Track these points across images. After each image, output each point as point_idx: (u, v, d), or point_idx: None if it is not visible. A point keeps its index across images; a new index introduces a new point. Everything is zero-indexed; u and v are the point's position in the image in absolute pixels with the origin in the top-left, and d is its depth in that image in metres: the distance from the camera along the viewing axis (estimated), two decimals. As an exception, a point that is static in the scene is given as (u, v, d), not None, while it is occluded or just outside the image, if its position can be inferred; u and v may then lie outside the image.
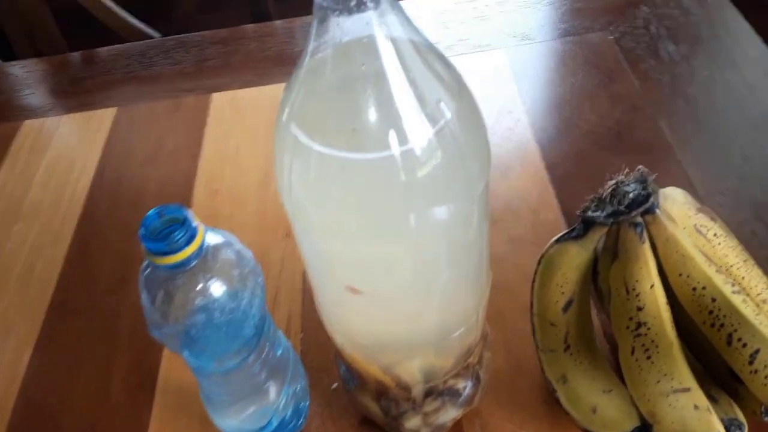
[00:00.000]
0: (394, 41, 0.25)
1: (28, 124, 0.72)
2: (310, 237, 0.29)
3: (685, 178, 0.55)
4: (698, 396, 0.35)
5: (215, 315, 0.33)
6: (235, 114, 0.70)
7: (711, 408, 0.35)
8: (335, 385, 0.46)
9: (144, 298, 0.33)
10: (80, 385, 0.49)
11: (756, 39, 0.65)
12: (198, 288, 0.33)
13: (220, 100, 0.72)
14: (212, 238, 0.34)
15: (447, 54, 0.28)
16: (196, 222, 0.32)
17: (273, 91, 0.71)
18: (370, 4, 0.23)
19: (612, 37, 0.69)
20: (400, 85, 0.25)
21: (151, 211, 0.32)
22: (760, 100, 0.59)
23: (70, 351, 0.51)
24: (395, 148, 0.25)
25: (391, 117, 0.25)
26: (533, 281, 0.45)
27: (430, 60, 0.27)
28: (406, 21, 0.26)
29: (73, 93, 0.76)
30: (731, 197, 0.53)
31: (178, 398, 0.47)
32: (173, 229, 0.32)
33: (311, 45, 0.25)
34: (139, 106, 0.73)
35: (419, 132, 0.25)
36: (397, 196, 0.26)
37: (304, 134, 0.26)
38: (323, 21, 0.24)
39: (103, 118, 0.72)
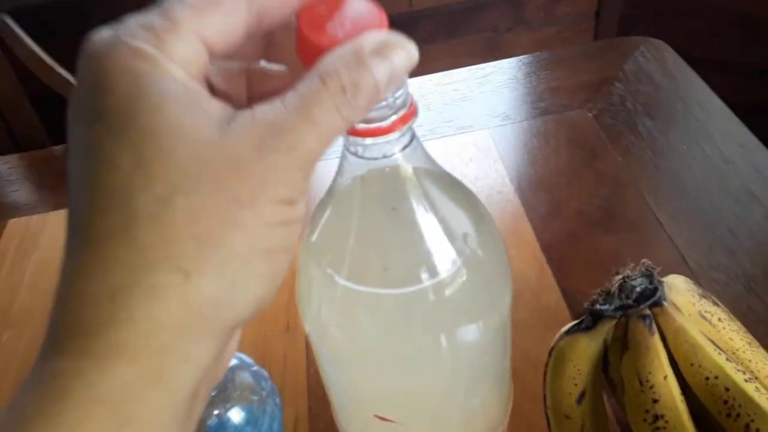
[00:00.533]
0: (417, 176, 0.25)
1: (13, 224, 0.71)
2: (338, 367, 0.29)
3: (677, 254, 0.56)
4: (727, 495, 0.35)
5: (236, 445, 0.32)
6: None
7: (741, 506, 0.35)
8: (350, 491, 0.45)
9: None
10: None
11: (727, 112, 0.68)
12: (216, 416, 0.32)
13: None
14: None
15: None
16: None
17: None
18: (397, 151, 0.24)
19: (591, 114, 0.72)
20: (429, 223, 0.25)
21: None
22: (739, 174, 0.62)
23: None
24: (427, 284, 0.25)
25: (422, 254, 0.25)
26: (545, 374, 0.45)
27: (451, 189, 0.27)
28: (424, 152, 0.26)
29: (60, 187, 0.75)
30: (723, 273, 0.54)
31: None
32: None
33: (336, 180, 0.26)
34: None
35: (449, 265, 0.26)
36: (430, 326, 0.26)
37: (337, 272, 0.26)
38: (347, 159, 0.25)
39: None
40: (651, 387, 0.40)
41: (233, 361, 0.33)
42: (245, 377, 0.33)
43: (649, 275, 0.40)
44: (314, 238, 0.28)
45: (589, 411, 0.43)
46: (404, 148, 0.24)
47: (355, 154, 0.24)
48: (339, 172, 0.26)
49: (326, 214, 0.27)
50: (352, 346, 0.27)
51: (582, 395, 0.43)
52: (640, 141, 0.68)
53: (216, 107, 0.18)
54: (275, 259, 0.18)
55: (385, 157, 0.24)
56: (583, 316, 0.44)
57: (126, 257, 0.16)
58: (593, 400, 0.43)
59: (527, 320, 0.54)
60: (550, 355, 0.45)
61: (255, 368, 0.35)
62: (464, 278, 0.26)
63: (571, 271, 0.57)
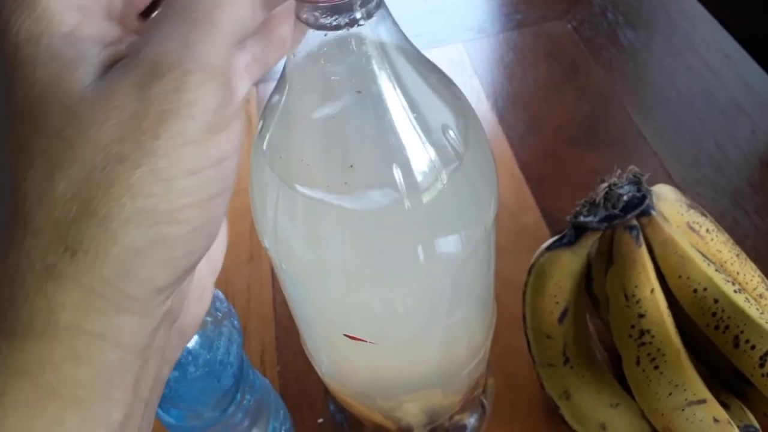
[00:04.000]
0: (387, 52, 0.21)
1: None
2: (302, 286, 0.25)
3: (662, 169, 0.54)
4: (716, 408, 0.34)
5: (189, 370, 0.29)
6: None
7: (731, 420, 0.33)
8: (320, 420, 0.43)
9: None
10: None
11: (712, 21, 0.65)
12: (167, 344, 0.28)
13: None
14: (178, 283, 0.30)
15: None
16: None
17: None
18: (362, 21, 0.20)
19: (570, 26, 0.67)
20: (402, 110, 0.21)
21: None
22: (725, 85, 0.59)
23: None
24: (400, 184, 0.21)
25: (393, 149, 0.21)
26: (524, 293, 0.42)
27: (427, 73, 0.23)
28: (395, 25, 0.22)
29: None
30: (709, 187, 0.52)
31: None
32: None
33: (288, 62, 0.22)
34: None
35: (426, 163, 0.22)
36: (405, 235, 0.23)
37: (292, 174, 0.22)
38: (299, 31, 0.21)
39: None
40: (637, 301, 0.38)
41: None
42: (197, 300, 0.30)
43: (636, 182, 0.37)
44: (266, 137, 0.24)
45: (571, 330, 0.41)
46: (370, 14, 0.20)
47: (307, 22, 0.20)
48: (290, 51, 0.21)
49: (278, 106, 0.23)
50: (315, 262, 0.24)
51: (564, 313, 0.41)
52: (622, 53, 0.64)
53: (98, 57, 0.16)
54: (200, 212, 0.16)
55: (346, 25, 0.20)
56: (565, 231, 0.41)
57: (21, 241, 0.15)
58: (575, 319, 0.41)
59: (505, 243, 0.52)
60: (529, 273, 0.42)
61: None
62: (444, 180, 0.22)
63: (551, 190, 0.54)
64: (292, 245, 0.24)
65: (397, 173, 0.22)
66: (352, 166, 0.22)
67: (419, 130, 0.22)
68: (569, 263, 0.40)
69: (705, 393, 0.34)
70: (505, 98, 0.61)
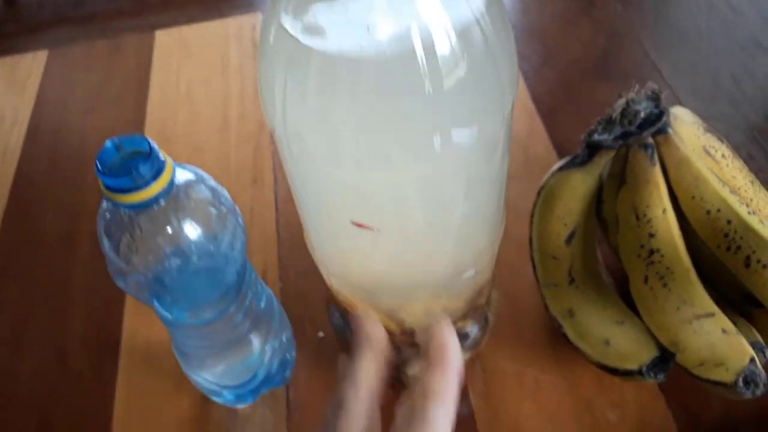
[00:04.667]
0: None
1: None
2: (310, 166, 0.24)
3: (677, 104, 0.52)
4: (723, 320, 0.33)
5: (192, 260, 0.28)
6: (182, 53, 0.63)
7: (738, 331, 0.33)
8: (321, 333, 0.43)
9: (105, 244, 0.28)
10: (31, 353, 0.44)
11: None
12: (170, 229, 0.28)
13: (164, 38, 0.65)
14: (182, 175, 0.29)
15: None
16: (162, 154, 0.27)
17: (222, 26, 0.65)
18: None
19: (587, -40, 0.65)
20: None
21: (107, 143, 0.27)
22: (746, 21, 0.57)
23: (17, 317, 0.45)
24: (419, 49, 0.20)
25: (413, 11, 0.20)
26: (532, 215, 0.41)
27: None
28: None
29: None
30: (725, 122, 0.51)
31: (146, 358, 0.42)
32: (136, 163, 0.26)
33: None
34: (73, 49, 0.65)
35: (448, 30, 0.21)
36: (421, 109, 0.22)
37: (303, 33, 0.21)
38: None
39: (33, 64, 0.64)
40: (648, 221, 0.37)
41: (188, 176, 0.29)
42: (201, 190, 0.29)
43: (654, 99, 0.36)
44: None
45: (578, 252, 0.40)
46: None
47: None
48: None
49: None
50: (327, 136, 0.23)
51: (571, 235, 0.40)
52: (641, -11, 0.62)
53: None
54: None
55: None
56: (578, 152, 0.40)
57: None
58: (583, 241, 0.41)
59: (514, 171, 0.50)
60: (539, 194, 0.41)
61: (213, 183, 0.30)
62: (465, 52, 0.21)
63: (563, 122, 0.53)
64: (304, 121, 0.23)
65: (416, 34, 0.21)
66: (368, 28, 0.21)
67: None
68: (580, 184, 0.39)
69: (713, 308, 0.34)
70: (520, 30, 0.60)
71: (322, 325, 0.43)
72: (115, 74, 0.62)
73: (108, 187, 0.26)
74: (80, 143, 0.56)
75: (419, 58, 0.21)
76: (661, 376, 0.34)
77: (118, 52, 0.64)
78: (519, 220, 0.44)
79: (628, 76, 0.55)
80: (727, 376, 0.32)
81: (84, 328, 0.44)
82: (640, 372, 0.34)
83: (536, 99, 0.54)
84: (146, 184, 0.26)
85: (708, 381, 0.31)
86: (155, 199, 0.27)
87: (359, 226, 0.26)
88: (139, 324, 0.44)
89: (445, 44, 0.21)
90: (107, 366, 0.42)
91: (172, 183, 0.27)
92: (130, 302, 0.45)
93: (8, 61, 0.64)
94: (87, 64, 0.63)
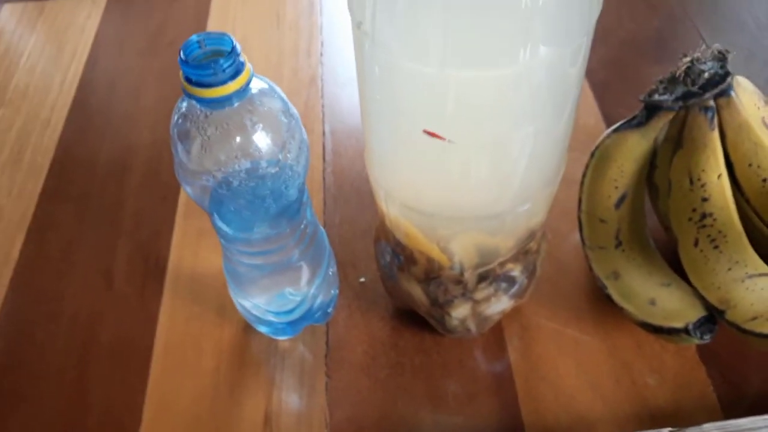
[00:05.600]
0: None
1: (9, 8, 0.65)
2: (392, 62, 0.25)
3: (730, 87, 0.52)
4: (778, 281, 0.33)
5: (261, 165, 0.29)
6: (239, 5, 0.64)
7: (792, 293, 0.32)
8: (362, 278, 0.43)
9: (176, 141, 0.29)
10: (79, 273, 0.44)
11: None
12: (243, 131, 0.28)
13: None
14: (257, 83, 0.30)
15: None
16: (243, 56, 0.28)
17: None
18: None
19: (648, -52, 0.65)
20: None
21: (191, 37, 0.28)
22: (806, 14, 0.56)
23: (67, 238, 0.46)
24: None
25: None
26: (583, 176, 0.41)
27: None
28: None
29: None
30: (779, 107, 0.50)
31: (191, 286, 0.43)
32: (217, 60, 0.27)
33: None
34: (133, -6, 0.66)
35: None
36: (516, 8, 0.22)
37: None
38: None
39: (93, 7, 0.65)
40: (702, 185, 0.37)
41: (261, 84, 0.30)
42: (273, 99, 0.30)
43: (721, 59, 0.36)
44: None
45: (627, 215, 0.40)
46: None
47: None
48: None
49: None
50: (415, 27, 0.23)
51: (622, 198, 0.40)
52: (700, -23, 0.62)
53: None
54: None
55: None
56: (635, 113, 0.40)
57: None
58: (632, 206, 0.41)
59: (562, 138, 0.51)
60: (592, 155, 0.41)
61: (284, 96, 0.31)
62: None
63: (614, 96, 0.53)
64: (395, 10, 0.23)
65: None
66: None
67: None
68: (635, 146, 0.39)
69: (766, 269, 0.34)
70: (574, 8, 0.60)
71: (365, 271, 0.43)
72: (173, 21, 0.63)
73: (188, 80, 0.27)
74: (136, 83, 0.57)
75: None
76: (707, 337, 0.34)
77: (176, 1, 0.65)
78: (567, 187, 0.44)
79: (680, 57, 0.55)
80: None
81: (131, 253, 0.45)
82: (686, 330, 0.34)
83: (588, 73, 0.54)
84: (225, 80, 0.27)
85: (761, 335, 0.31)
86: (231, 98, 0.27)
87: (430, 135, 0.26)
88: (186, 253, 0.45)
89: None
90: (152, 291, 0.43)
91: (248, 84, 0.28)
92: (178, 232, 0.46)
93: (68, 3, 0.66)
94: (146, 9, 0.64)
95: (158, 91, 0.57)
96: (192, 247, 0.45)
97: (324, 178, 0.50)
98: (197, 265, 0.44)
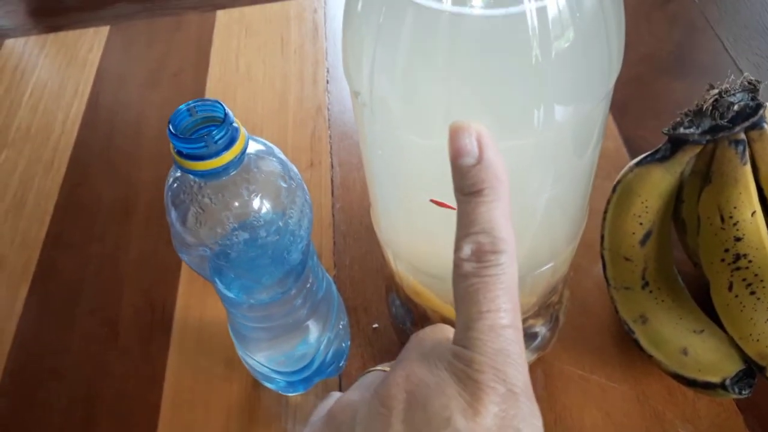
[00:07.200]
0: None
1: (10, 44, 0.64)
2: (393, 134, 0.23)
3: (759, 103, 0.49)
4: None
5: (260, 234, 0.27)
6: (242, 33, 0.62)
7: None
8: (376, 325, 0.41)
9: (172, 214, 0.27)
10: (83, 325, 0.43)
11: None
12: (240, 201, 0.27)
13: (225, 17, 0.64)
14: (252, 146, 0.28)
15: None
16: (236, 122, 0.26)
17: (283, 8, 0.64)
18: None
19: (664, -46, 0.62)
20: None
21: (181, 107, 0.26)
22: (837, 20, 0.53)
23: (70, 287, 0.45)
24: (530, 6, 0.19)
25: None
26: (605, 212, 0.39)
27: None
28: None
29: (60, 10, 0.68)
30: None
31: (198, 337, 0.42)
32: (209, 130, 0.25)
33: None
34: (135, 24, 0.65)
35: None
36: (525, 76, 0.20)
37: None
38: None
39: (95, 39, 0.64)
40: (735, 224, 0.35)
41: (258, 147, 0.28)
42: (272, 163, 0.28)
43: (751, 90, 0.34)
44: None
45: (653, 254, 0.38)
46: None
47: None
48: None
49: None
50: (418, 99, 0.21)
51: (647, 236, 0.38)
52: (721, -17, 0.59)
53: None
54: None
55: None
56: (659, 146, 0.38)
57: None
58: (659, 242, 0.38)
59: (581, 165, 0.49)
60: (614, 190, 0.39)
61: (283, 157, 0.29)
62: (577, 15, 0.20)
63: (635, 118, 0.50)
64: (393, 82, 0.22)
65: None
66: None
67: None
68: (660, 181, 0.37)
69: (809, 320, 0.31)
70: (589, 22, 0.57)
71: (377, 316, 0.41)
72: (175, 51, 0.61)
73: (180, 153, 0.25)
74: (138, 117, 0.56)
75: (529, 17, 0.19)
76: (746, 392, 0.32)
77: (179, 30, 0.63)
78: (588, 219, 0.42)
79: (705, 72, 0.53)
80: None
81: (136, 303, 0.44)
82: (722, 386, 0.32)
83: (607, 93, 0.52)
84: (219, 152, 0.25)
85: (805, 398, 0.29)
86: (227, 168, 0.26)
87: (438, 204, 0.24)
88: (194, 302, 0.43)
89: (557, 2, 0.19)
90: (158, 344, 0.42)
91: (244, 152, 0.26)
92: (184, 279, 0.45)
93: (70, 35, 0.65)
94: (147, 41, 0.63)
95: (160, 125, 0.55)
96: (199, 294, 0.44)
97: (333, 215, 0.48)
98: (205, 314, 0.43)
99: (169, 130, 0.25)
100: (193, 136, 0.25)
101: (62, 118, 0.57)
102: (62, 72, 0.61)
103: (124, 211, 0.49)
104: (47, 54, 0.63)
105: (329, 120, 0.54)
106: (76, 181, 0.52)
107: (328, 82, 0.57)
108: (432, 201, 0.24)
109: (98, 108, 0.57)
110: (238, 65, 0.59)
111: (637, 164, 0.38)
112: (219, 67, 0.59)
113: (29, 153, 0.54)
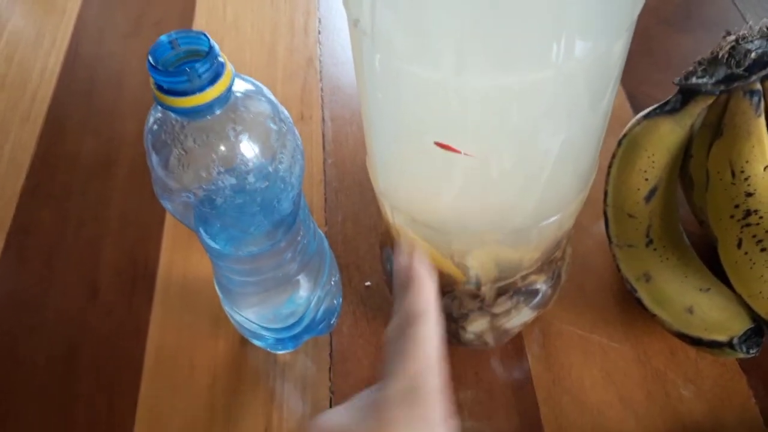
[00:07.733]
0: None
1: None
2: (396, 68, 0.21)
3: None
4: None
5: (248, 180, 0.25)
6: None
7: None
8: (368, 283, 0.40)
9: (153, 158, 0.25)
10: (62, 281, 0.41)
11: None
12: (226, 143, 0.25)
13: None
14: (240, 84, 0.26)
15: None
16: (222, 57, 0.24)
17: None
18: None
19: None
20: None
21: (162, 37, 0.24)
22: None
23: (49, 242, 0.43)
24: None
25: None
26: (609, 166, 0.38)
27: None
28: None
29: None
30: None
31: (183, 294, 0.40)
32: (192, 63, 0.23)
33: None
34: (116, -29, 0.61)
35: None
36: (546, 4, 0.18)
37: None
38: None
39: (74, -14, 0.60)
40: (746, 179, 0.33)
41: (246, 86, 0.26)
42: (261, 104, 0.26)
43: (771, 37, 0.32)
44: None
45: (658, 210, 0.37)
46: None
47: None
48: None
49: None
50: (423, 28, 0.19)
51: (652, 192, 0.36)
52: (732, -65, 0.56)
53: None
54: None
55: None
56: (669, 98, 0.36)
57: None
58: (665, 199, 0.37)
59: (583, 121, 0.47)
60: (619, 144, 0.37)
61: (273, 98, 0.27)
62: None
63: (639, 73, 0.49)
64: (398, 6, 0.19)
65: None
66: None
67: None
68: (668, 134, 0.35)
69: (823, 277, 0.30)
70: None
71: (370, 273, 0.40)
72: (157, 0, 0.58)
73: (160, 88, 0.23)
74: (119, 68, 0.53)
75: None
76: (753, 350, 0.31)
77: (162, -22, 0.60)
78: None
79: (712, 27, 0.51)
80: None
81: (118, 259, 0.42)
82: (730, 344, 0.31)
83: (611, 47, 0.50)
84: (203, 87, 0.23)
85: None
86: (211, 106, 0.24)
87: (443, 147, 0.22)
88: (177, 257, 0.42)
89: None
90: (141, 301, 0.40)
91: (230, 89, 0.24)
92: (168, 234, 0.43)
93: (47, -18, 0.61)
94: (129, -12, 0.60)
95: (143, 77, 0.52)
96: (183, 250, 0.42)
97: (325, 171, 0.46)
98: (189, 270, 0.41)
99: (149, 62, 0.23)
100: (175, 71, 0.23)
101: (40, 68, 0.54)
102: (39, 21, 0.58)
103: (105, 165, 0.47)
104: (24, 2, 0.60)
105: (321, 72, 0.52)
106: (54, 134, 0.49)
107: (320, 32, 0.54)
108: (436, 144, 0.22)
109: (77, 58, 0.54)
110: (225, 14, 0.56)
111: (645, 116, 0.36)
112: (205, 16, 0.56)
113: (4, 104, 0.51)
